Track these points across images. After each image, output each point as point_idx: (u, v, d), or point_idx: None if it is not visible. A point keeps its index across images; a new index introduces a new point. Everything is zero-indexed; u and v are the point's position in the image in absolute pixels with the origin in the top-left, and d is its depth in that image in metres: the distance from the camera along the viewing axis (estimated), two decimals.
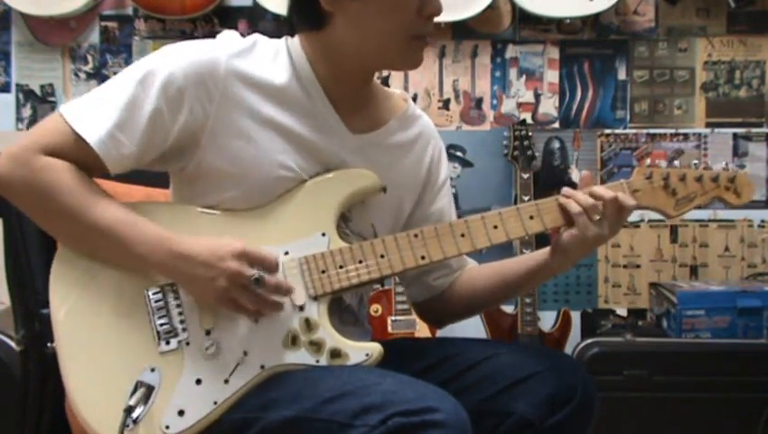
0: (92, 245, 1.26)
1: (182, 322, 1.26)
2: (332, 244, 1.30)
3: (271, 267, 1.24)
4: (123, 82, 1.26)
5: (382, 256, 1.31)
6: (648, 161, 1.40)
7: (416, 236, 1.32)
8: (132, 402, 1.20)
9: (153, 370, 1.24)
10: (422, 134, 1.47)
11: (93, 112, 1.25)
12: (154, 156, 1.29)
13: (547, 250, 1.39)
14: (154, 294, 1.26)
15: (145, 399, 1.22)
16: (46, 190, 1.23)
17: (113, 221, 1.23)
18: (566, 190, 1.34)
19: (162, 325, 1.25)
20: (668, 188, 1.38)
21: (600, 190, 1.32)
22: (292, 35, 1.36)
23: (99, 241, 1.25)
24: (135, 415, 1.20)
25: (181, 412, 1.22)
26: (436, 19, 1.33)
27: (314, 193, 1.32)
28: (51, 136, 1.25)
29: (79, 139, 1.24)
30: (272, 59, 1.32)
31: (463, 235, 1.33)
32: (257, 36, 1.34)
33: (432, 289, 1.51)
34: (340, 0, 1.27)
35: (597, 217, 1.31)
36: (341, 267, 1.29)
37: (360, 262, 1.30)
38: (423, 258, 1.32)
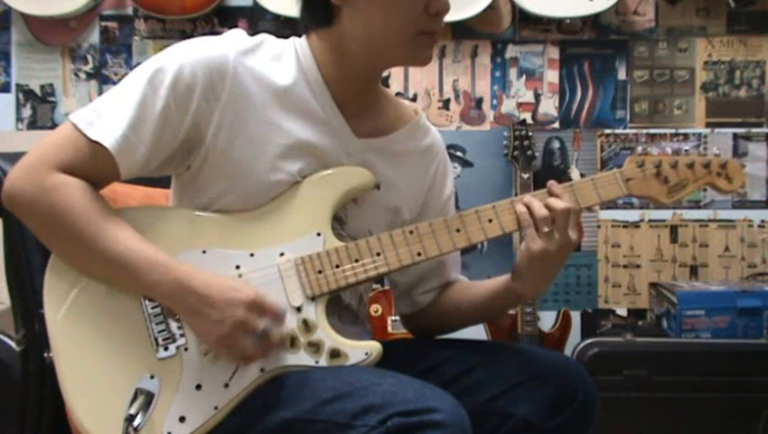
0: (97, 269, 1.24)
1: (179, 327, 1.24)
2: (327, 244, 1.30)
3: (279, 318, 1.23)
4: (132, 83, 1.25)
5: (378, 254, 1.30)
6: None
7: (411, 232, 1.31)
8: (132, 411, 1.18)
9: (152, 377, 1.22)
10: (432, 146, 1.47)
11: (105, 116, 1.24)
12: (164, 158, 1.27)
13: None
14: (150, 300, 1.24)
15: (146, 406, 1.20)
16: (55, 211, 1.21)
17: (121, 249, 1.21)
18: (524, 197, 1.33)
19: (159, 331, 1.24)
20: (660, 176, 1.37)
21: (554, 202, 1.30)
22: (301, 35, 1.35)
23: (104, 267, 1.23)
24: (135, 423, 1.18)
25: (182, 419, 1.21)
26: None
27: (308, 193, 1.30)
28: (64, 149, 1.23)
29: (94, 146, 1.22)
30: (279, 58, 1.32)
31: (458, 230, 1.32)
32: (264, 35, 1.33)
33: (416, 304, 1.51)
34: None
35: (546, 229, 1.29)
36: (337, 266, 1.29)
37: (357, 261, 1.29)
38: (419, 254, 1.31)
